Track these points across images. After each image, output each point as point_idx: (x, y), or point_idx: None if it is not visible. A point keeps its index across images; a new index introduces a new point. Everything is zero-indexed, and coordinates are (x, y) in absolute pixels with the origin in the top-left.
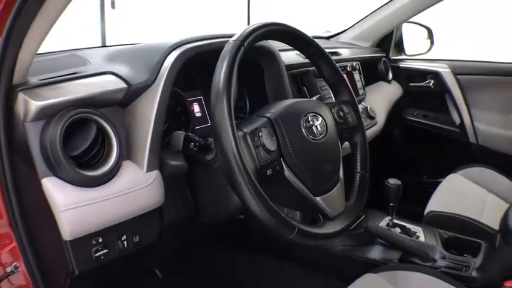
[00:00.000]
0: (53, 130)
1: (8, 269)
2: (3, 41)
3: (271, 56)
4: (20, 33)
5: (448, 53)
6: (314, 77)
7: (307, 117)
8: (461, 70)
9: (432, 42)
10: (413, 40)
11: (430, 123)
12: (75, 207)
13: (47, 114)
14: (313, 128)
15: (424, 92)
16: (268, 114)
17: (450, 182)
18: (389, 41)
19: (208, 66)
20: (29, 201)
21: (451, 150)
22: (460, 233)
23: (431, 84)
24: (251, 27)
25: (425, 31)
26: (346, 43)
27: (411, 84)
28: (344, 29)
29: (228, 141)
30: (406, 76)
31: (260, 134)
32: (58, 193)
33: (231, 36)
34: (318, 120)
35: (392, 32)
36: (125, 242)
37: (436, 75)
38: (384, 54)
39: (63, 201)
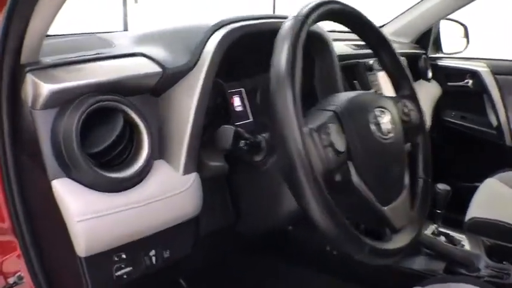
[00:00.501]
0: (68, 121)
1: (11, 280)
2: (6, 13)
3: (324, 43)
4: (27, 4)
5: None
6: (365, 70)
7: (375, 113)
8: (500, 70)
9: (468, 41)
10: (450, 38)
11: (468, 125)
12: (94, 217)
13: (61, 101)
14: (381, 125)
15: (462, 92)
16: (333, 108)
17: (488, 186)
18: (428, 38)
19: (254, 52)
20: (36, 206)
21: (488, 153)
22: (500, 239)
23: (469, 84)
24: (314, 3)
25: (461, 29)
26: None
27: (449, 83)
28: (383, 23)
29: (293, 138)
30: (444, 75)
31: (328, 131)
32: (72, 199)
33: (278, 17)
34: (386, 116)
35: (430, 28)
36: (153, 258)
37: (474, 74)
38: (424, 51)
39: (79, 210)
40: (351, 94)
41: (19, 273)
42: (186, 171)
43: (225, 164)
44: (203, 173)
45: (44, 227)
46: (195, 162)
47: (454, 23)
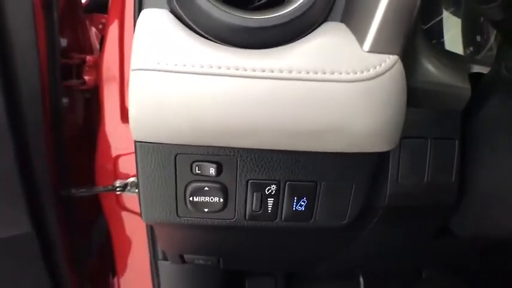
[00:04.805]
0: None
1: (118, 183)
2: None
3: None
4: None
5: None
6: None
7: None
8: None
9: None
10: None
11: None
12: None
13: None
14: None
15: None
16: None
17: None
18: None
19: None
20: None
21: None
22: None
23: None
24: None
25: None
26: None
27: None
28: None
29: None
30: None
31: None
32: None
33: None
34: None
35: None
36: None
37: None
38: None
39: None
40: None
41: (133, 178)
42: (375, 47)
43: (468, 86)
44: (410, 78)
45: None
46: (399, 42)
47: None
